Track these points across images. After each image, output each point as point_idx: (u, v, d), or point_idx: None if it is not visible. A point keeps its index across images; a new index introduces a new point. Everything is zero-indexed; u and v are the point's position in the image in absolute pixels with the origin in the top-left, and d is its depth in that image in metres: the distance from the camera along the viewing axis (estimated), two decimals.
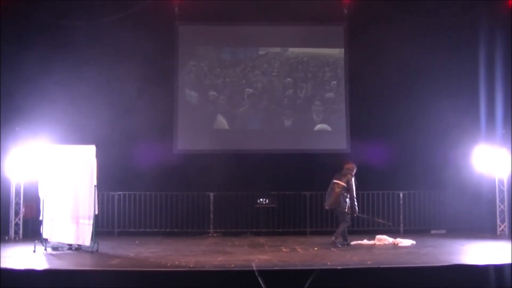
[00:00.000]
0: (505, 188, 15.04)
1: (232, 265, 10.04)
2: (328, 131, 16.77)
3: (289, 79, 16.91)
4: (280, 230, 15.43)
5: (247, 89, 16.78)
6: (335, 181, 12.97)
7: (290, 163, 16.01)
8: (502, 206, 15.06)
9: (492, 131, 15.32)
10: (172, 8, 16.25)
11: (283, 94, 16.84)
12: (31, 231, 14.30)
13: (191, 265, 10.03)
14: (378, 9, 16.04)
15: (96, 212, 12.28)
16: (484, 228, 15.06)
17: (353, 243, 12.96)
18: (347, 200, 12.87)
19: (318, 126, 16.80)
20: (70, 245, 12.18)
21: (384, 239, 13.45)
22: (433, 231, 15.68)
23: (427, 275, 9.44)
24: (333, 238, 12.85)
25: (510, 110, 15.03)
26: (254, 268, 9.20)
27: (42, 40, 15.40)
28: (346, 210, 12.86)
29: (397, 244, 13.14)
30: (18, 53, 14.91)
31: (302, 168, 15.80)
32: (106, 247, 12.52)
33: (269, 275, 9.09)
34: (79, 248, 12.12)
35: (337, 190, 12.86)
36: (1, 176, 14.39)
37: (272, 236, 15.01)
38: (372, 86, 16.19)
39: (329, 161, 15.84)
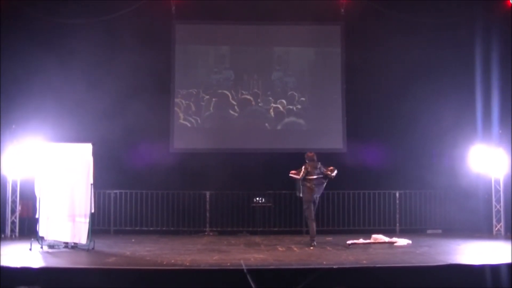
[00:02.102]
0: (501, 188, 15.07)
1: (228, 264, 10.05)
2: (318, 130, 16.77)
3: (286, 78, 16.92)
4: (276, 229, 15.43)
5: (244, 88, 16.78)
6: (319, 177, 12.93)
7: (287, 162, 15.96)
8: (498, 206, 15.10)
9: (489, 131, 15.34)
10: (169, 7, 16.23)
11: (280, 93, 16.84)
12: (28, 229, 14.29)
13: (187, 264, 10.04)
14: (375, 9, 16.06)
15: (93, 211, 12.27)
16: (480, 228, 15.09)
17: (349, 242, 12.94)
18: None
19: (307, 121, 16.85)
20: (66, 243, 12.18)
21: (380, 239, 13.46)
22: (429, 231, 15.70)
23: (423, 274, 9.48)
24: (314, 242, 12.78)
25: (506, 110, 15.06)
26: (244, 267, 9.22)
27: (39, 38, 15.37)
28: None
29: (393, 243, 13.14)
30: (15, 51, 14.86)
31: (299, 167, 15.78)
32: (102, 245, 12.53)
33: (265, 274, 9.10)
34: (75, 246, 12.12)
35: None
36: None
37: (268, 235, 15.02)
38: (369, 86, 16.21)
39: (326, 160, 15.87)
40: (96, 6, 15.59)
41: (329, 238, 14.26)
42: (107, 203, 15.26)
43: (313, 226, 12.89)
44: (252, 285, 8.68)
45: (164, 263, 10.19)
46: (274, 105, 16.79)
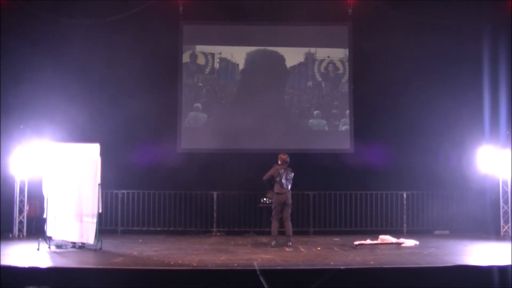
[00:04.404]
0: (509, 189, 15.03)
1: (235, 264, 10.05)
2: (325, 130, 16.79)
3: (293, 78, 16.92)
4: (283, 229, 15.37)
5: (251, 88, 16.79)
6: (287, 188, 12.92)
7: (294, 163, 15.92)
8: (506, 207, 15.06)
9: (496, 131, 15.31)
10: (176, 7, 16.27)
11: (287, 93, 16.85)
12: (35, 229, 14.35)
13: (194, 264, 10.04)
14: (382, 9, 16.03)
15: (100, 211, 12.30)
16: (487, 229, 15.03)
17: (356, 242, 12.92)
18: None
19: (315, 121, 16.83)
20: (74, 243, 12.20)
21: (387, 239, 13.44)
22: (436, 232, 15.68)
23: (430, 275, 9.46)
24: (273, 242, 12.79)
25: None
26: (256, 268, 9.21)
27: (47, 39, 15.46)
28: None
29: (400, 244, 13.11)
30: (24, 52, 14.92)
31: (306, 168, 15.75)
32: (110, 245, 12.55)
33: (272, 274, 9.10)
34: (82, 246, 12.15)
35: None
36: (6, 174, 14.42)
37: None
38: (376, 86, 16.17)
39: (333, 161, 15.90)
40: (103, 6, 15.59)
41: (336, 239, 14.26)
42: (114, 203, 15.29)
43: (276, 225, 12.92)
44: (265, 285, 8.68)
45: (171, 263, 10.20)
46: (281, 105, 16.79)
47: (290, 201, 12.92)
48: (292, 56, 16.99)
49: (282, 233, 13.13)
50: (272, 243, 12.72)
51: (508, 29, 15.41)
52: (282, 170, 12.88)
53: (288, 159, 13.08)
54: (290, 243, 12.72)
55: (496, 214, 15.15)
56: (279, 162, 13.05)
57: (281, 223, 13.04)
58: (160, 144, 15.89)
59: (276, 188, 12.84)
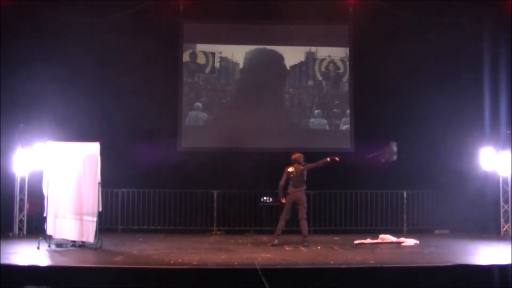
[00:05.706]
0: (509, 188, 15.02)
1: (235, 263, 10.04)
2: (326, 130, 16.79)
3: (293, 77, 16.91)
4: (283, 228, 15.39)
5: (252, 87, 16.78)
6: (298, 188, 12.77)
7: None
8: (506, 207, 15.05)
9: (497, 131, 15.30)
10: (176, 6, 16.28)
11: (287, 92, 16.84)
12: (35, 227, 14.34)
13: (194, 263, 10.03)
14: (383, 9, 16.02)
15: (100, 209, 12.29)
16: (488, 228, 15.06)
17: (356, 242, 12.92)
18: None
19: (315, 120, 16.83)
20: (74, 241, 12.18)
21: (387, 239, 13.43)
22: (436, 231, 15.68)
23: (430, 275, 9.44)
24: (275, 241, 12.75)
25: None
26: (257, 267, 9.21)
27: (47, 37, 15.45)
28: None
29: (401, 243, 13.11)
30: (23, 51, 14.93)
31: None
32: (110, 244, 12.54)
33: (272, 273, 9.09)
34: (82, 245, 12.12)
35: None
36: (6, 172, 14.42)
37: None
38: (377, 85, 16.18)
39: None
40: (104, 5, 15.62)
41: (337, 238, 14.25)
42: (114, 202, 15.30)
43: (281, 224, 12.88)
44: (265, 284, 8.67)
45: (172, 262, 10.18)
46: (281, 105, 16.78)
47: (301, 200, 12.71)
48: (293, 55, 17.01)
49: (284, 232, 13.15)
50: (274, 242, 12.69)
51: (508, 28, 15.40)
52: (292, 169, 12.81)
53: (299, 158, 12.88)
54: (306, 244, 12.55)
55: (497, 213, 15.14)
56: (291, 163, 13.00)
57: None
58: (160, 143, 15.88)
59: (287, 187, 12.83)
